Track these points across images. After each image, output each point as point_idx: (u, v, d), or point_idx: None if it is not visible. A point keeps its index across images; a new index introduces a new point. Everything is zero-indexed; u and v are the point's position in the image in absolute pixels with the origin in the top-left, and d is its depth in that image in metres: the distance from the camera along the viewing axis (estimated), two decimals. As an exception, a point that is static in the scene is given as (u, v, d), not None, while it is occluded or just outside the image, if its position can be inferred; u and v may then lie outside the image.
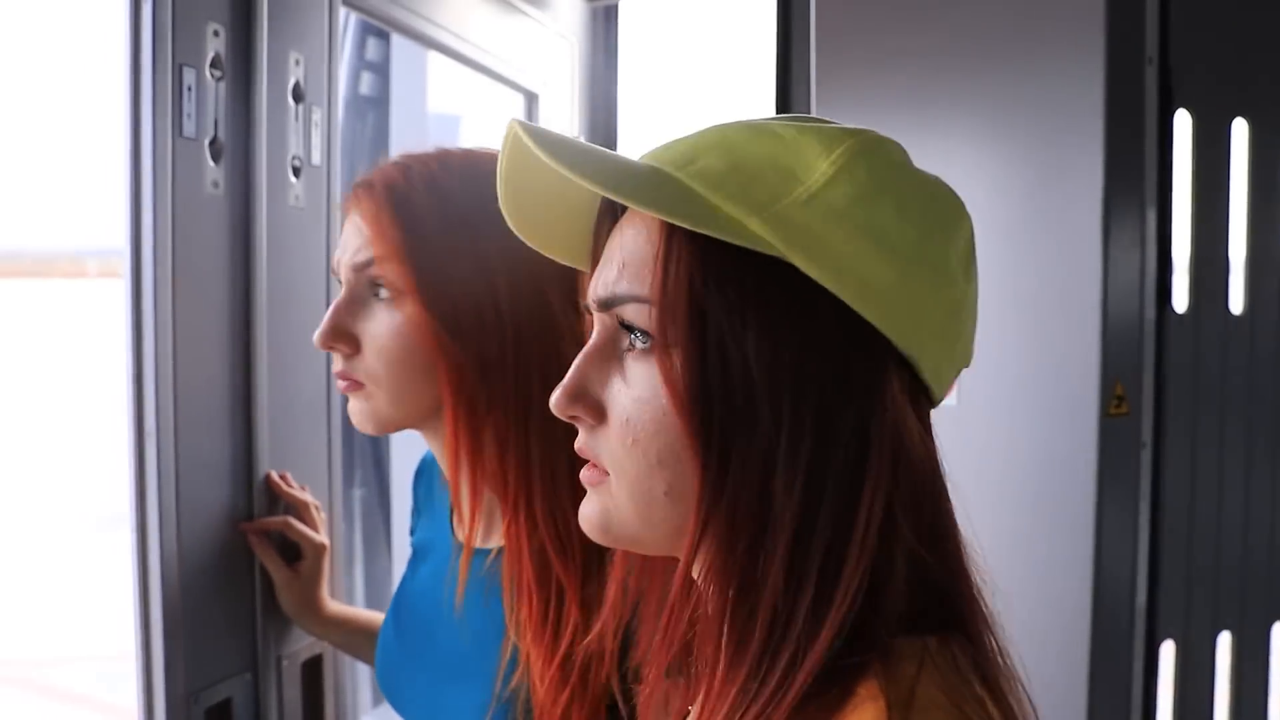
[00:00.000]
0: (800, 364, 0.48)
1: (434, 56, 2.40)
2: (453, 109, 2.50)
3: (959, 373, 0.55)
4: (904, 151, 0.54)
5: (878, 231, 0.49)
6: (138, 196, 0.98)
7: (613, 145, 1.90)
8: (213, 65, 1.05)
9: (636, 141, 1.92)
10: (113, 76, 1.00)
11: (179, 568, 1.00)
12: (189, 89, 1.02)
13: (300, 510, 1.12)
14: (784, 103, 1.71)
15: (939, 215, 0.52)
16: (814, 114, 0.55)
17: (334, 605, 1.14)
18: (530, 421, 0.84)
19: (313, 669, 1.21)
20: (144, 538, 0.99)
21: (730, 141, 0.51)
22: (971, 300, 0.54)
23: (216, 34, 1.06)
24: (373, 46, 2.27)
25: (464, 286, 0.85)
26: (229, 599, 1.08)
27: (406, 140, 2.14)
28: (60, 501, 8.48)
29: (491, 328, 0.84)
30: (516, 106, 1.80)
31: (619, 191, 0.49)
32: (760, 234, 0.48)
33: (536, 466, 0.84)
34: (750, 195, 0.49)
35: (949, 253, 0.52)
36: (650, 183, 0.50)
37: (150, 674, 1.00)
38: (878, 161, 0.51)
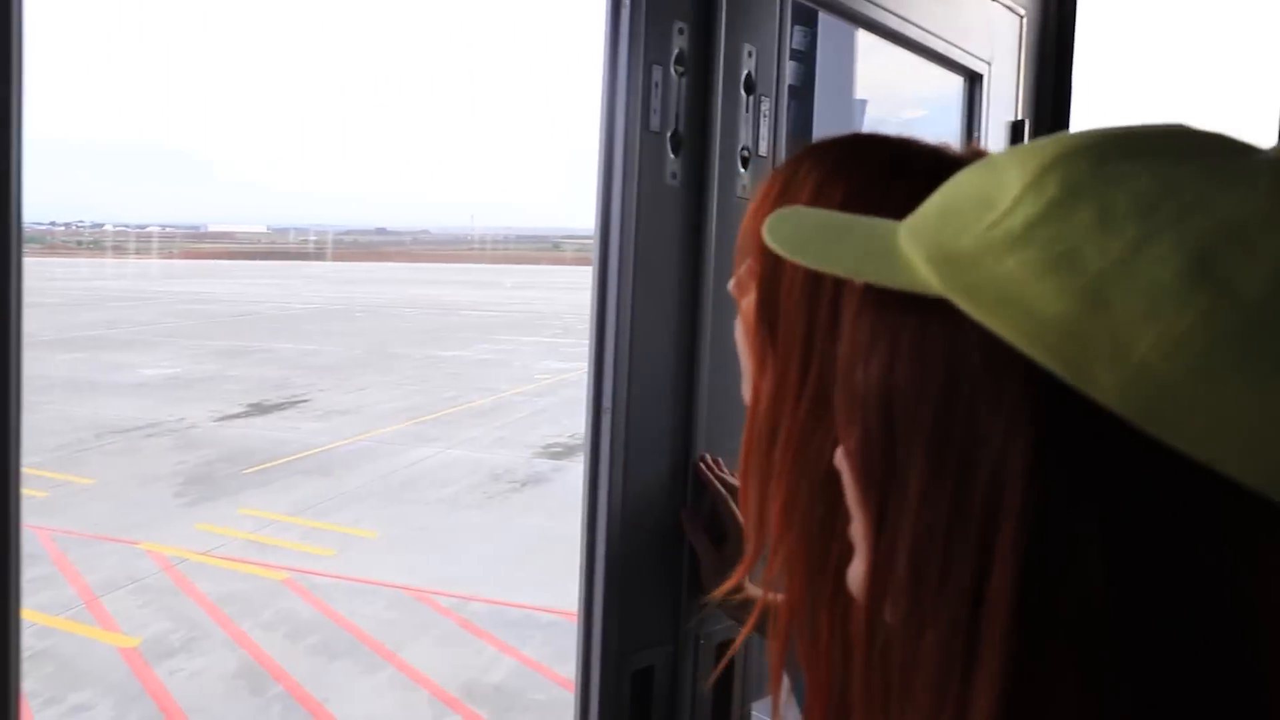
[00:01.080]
0: (944, 408, 0.44)
1: (859, 42, 2.35)
2: (871, 94, 2.44)
3: None
4: (1151, 142, 0.43)
5: (1061, 252, 0.41)
6: (609, 187, 1.05)
7: (1063, 126, 1.73)
8: (676, 62, 1.10)
9: (1089, 124, 1.73)
10: (593, 77, 1.09)
11: (622, 537, 1.07)
12: (656, 85, 1.07)
13: (730, 495, 1.15)
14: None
15: (1177, 211, 0.40)
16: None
17: (755, 590, 1.16)
18: None
19: (725, 650, 1.24)
20: (594, 505, 1.07)
21: (955, 179, 0.49)
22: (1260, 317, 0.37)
23: (681, 31, 1.10)
24: (797, 35, 2.28)
25: None
26: (660, 572, 1.14)
27: (831, 128, 2.12)
28: (488, 461, 9.73)
29: None
30: (954, 88, 1.70)
31: (789, 253, 0.51)
32: (924, 275, 0.45)
33: None
34: (937, 234, 0.46)
35: (1191, 257, 0.39)
36: (834, 238, 0.51)
37: (590, 631, 1.08)
38: (1077, 168, 0.43)
